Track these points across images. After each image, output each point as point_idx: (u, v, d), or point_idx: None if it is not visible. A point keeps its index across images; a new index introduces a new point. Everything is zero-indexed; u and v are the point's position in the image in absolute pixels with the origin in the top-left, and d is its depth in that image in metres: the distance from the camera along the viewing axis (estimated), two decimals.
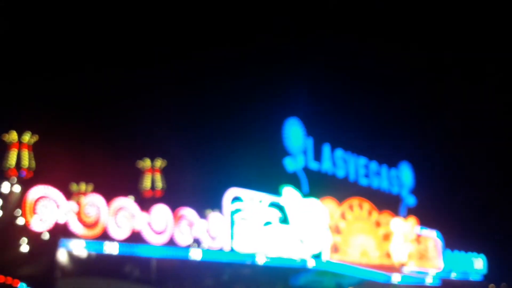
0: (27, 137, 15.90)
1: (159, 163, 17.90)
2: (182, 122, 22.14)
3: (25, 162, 15.97)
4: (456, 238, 31.98)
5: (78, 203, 14.86)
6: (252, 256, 19.23)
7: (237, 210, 19.40)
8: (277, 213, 21.10)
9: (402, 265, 27.01)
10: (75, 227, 14.61)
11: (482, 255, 34.24)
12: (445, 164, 41.62)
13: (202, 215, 18.02)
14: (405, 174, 30.49)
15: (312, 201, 22.96)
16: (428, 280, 27.50)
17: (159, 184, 17.68)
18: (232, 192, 19.47)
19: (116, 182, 17.89)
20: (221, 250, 18.18)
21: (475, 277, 33.19)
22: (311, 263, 21.65)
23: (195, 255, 17.31)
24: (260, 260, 19.49)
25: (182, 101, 27.03)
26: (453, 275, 30.59)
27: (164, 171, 18.21)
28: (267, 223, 20.45)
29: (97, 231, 15.03)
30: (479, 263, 33.72)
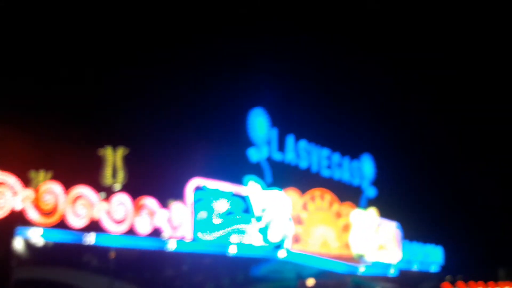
0: None
1: (121, 151, 17.62)
2: (146, 110, 21.90)
3: None
4: (415, 230, 32.74)
5: (36, 191, 14.60)
6: (214, 245, 19.29)
7: (200, 200, 19.41)
8: (240, 203, 21.19)
9: (361, 256, 27.51)
10: (32, 214, 14.38)
11: (440, 247, 35.17)
12: (406, 156, 42.46)
13: (164, 204, 17.93)
14: (367, 166, 30.97)
15: (275, 191, 23.12)
16: (387, 270, 28.11)
17: (120, 173, 17.43)
18: (195, 182, 19.44)
19: (76, 171, 17.57)
20: (182, 240, 18.17)
21: (433, 268, 34.07)
22: (272, 254, 21.85)
23: (156, 244, 17.26)
24: (222, 250, 19.57)
25: (147, 89, 26.77)
26: (412, 266, 31.33)
27: (125, 160, 17.94)
28: (230, 213, 20.53)
29: (54, 219, 14.81)
30: (437, 254, 34.61)
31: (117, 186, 17.46)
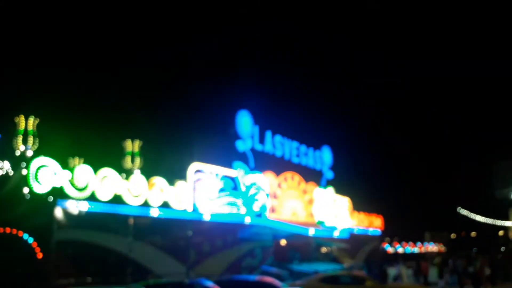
0: (31, 120, 15.21)
1: (138, 143, 17.51)
2: (158, 110, 21.73)
3: (31, 140, 15.27)
4: (362, 203, 33.06)
5: (72, 172, 14.40)
6: (210, 215, 19.28)
7: (199, 180, 19.35)
8: (229, 183, 21.19)
9: (322, 222, 27.72)
10: (69, 190, 14.19)
11: (381, 216, 35.54)
12: (356, 147, 42.87)
13: (171, 183, 17.84)
14: (326, 155, 31.15)
15: (257, 174, 23.16)
16: (340, 233, 28.29)
17: (137, 159, 17.29)
18: (195, 165, 19.36)
19: (103, 157, 17.40)
20: (185, 210, 18.11)
21: (375, 233, 34.46)
22: (254, 220, 21.92)
23: (165, 213, 17.17)
24: (216, 218, 19.56)
25: (159, 91, 26.52)
26: (358, 230, 31.63)
27: (141, 149, 17.82)
28: (222, 190, 20.52)
29: (86, 193, 14.64)
30: (378, 222, 34.99)
31: (135, 169, 17.32)
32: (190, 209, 18.29)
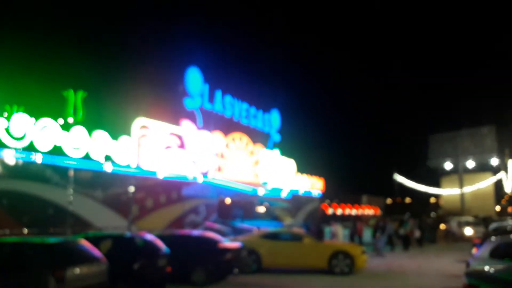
0: None
1: (81, 94, 16.75)
2: (106, 61, 20.73)
3: None
4: (305, 165, 34.11)
5: (9, 120, 13.61)
6: (154, 171, 19.14)
7: (144, 135, 19.01)
8: (176, 140, 21.01)
9: (267, 183, 28.40)
10: (6, 139, 13.45)
11: (322, 179, 36.90)
12: (303, 112, 43.74)
13: (115, 137, 17.40)
14: (274, 118, 31.58)
15: (205, 133, 23.10)
16: (283, 194, 29.25)
17: (79, 110, 16.61)
18: (140, 121, 18.97)
19: (44, 107, 16.52)
20: (128, 165, 17.83)
21: (316, 194, 35.85)
22: (200, 178, 22.07)
23: (107, 167, 16.83)
24: (160, 175, 19.47)
25: (106, 42, 25.25)
26: (301, 192, 32.77)
27: (84, 101, 17.09)
28: (168, 148, 20.33)
29: (24, 143, 13.96)
30: (319, 184, 36.33)
31: (77, 120, 16.65)
32: (133, 164, 18.04)
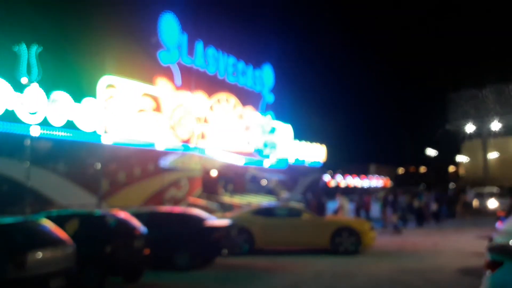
0: None
1: (35, 49, 16.36)
2: (64, 8, 20.10)
3: None
4: (304, 131, 34.24)
5: None
6: (125, 139, 19.07)
7: (111, 96, 18.81)
8: (150, 102, 20.85)
9: (259, 151, 28.54)
10: None
11: (323, 145, 37.10)
12: (300, 67, 43.43)
13: (77, 99, 17.20)
14: (267, 75, 31.39)
15: (184, 93, 22.92)
16: (273, 164, 29.21)
17: (34, 68, 16.29)
18: (106, 79, 18.72)
19: None
20: (94, 132, 17.72)
21: (316, 164, 36.12)
22: (180, 147, 22.05)
23: (34, 131, 16.72)
24: (132, 144, 19.41)
25: None
26: (297, 160, 32.97)
27: (39, 57, 16.73)
28: (141, 111, 20.19)
29: None
30: (320, 152, 36.55)
31: (32, 80, 16.36)
32: (100, 131, 17.94)
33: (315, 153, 35.38)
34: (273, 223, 15.12)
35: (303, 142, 33.88)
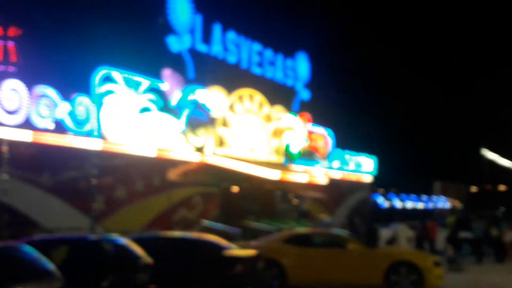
0: None
1: (13, 31, 16.71)
2: None
3: None
4: (348, 138, 34.03)
5: None
6: (125, 144, 19.27)
7: (109, 93, 19.06)
8: (157, 100, 21.04)
9: (291, 162, 28.44)
10: None
11: (374, 157, 36.80)
12: (344, 57, 43.21)
13: (67, 96, 17.49)
14: (302, 66, 31.32)
15: (198, 88, 23.05)
16: (309, 179, 29.10)
17: (13, 56, 16.65)
18: (103, 72, 18.98)
19: None
20: (87, 135, 17.96)
21: (364, 180, 35.84)
22: (192, 156, 22.16)
23: (58, 140, 16.98)
24: (135, 150, 19.59)
25: None
26: (341, 175, 32.77)
27: (20, 42, 17.09)
28: (144, 110, 20.38)
29: None
30: (369, 165, 36.27)
31: (9, 71, 16.73)
32: (94, 135, 18.17)
33: (362, 166, 35.15)
34: (310, 254, 15.11)
35: (348, 153, 33.69)
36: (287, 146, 28.40)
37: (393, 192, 47.16)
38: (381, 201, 44.83)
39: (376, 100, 48.07)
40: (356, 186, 34.43)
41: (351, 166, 33.94)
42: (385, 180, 41.56)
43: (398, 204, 47.42)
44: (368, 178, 36.04)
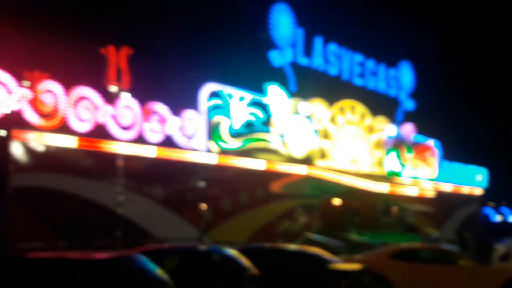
0: None
1: (125, 50, 17.49)
2: (153, 6, 21.52)
3: None
4: (455, 149, 32.85)
5: (33, 90, 14.66)
6: (232, 157, 19.64)
7: (215, 108, 19.53)
8: (259, 113, 21.31)
9: (395, 174, 27.80)
10: (30, 116, 14.56)
11: (484, 169, 35.30)
12: (449, 66, 41.68)
13: (175, 112, 18.08)
14: (405, 75, 30.71)
15: (300, 101, 23.13)
16: (415, 191, 28.28)
17: (125, 75, 17.44)
18: (209, 87, 19.48)
19: (76, 71, 17.62)
20: (196, 150, 18.46)
21: (474, 192, 34.44)
22: (295, 168, 22.20)
23: (167, 154, 17.58)
24: (240, 162, 19.91)
25: None
26: (448, 187, 31.67)
27: (131, 61, 17.89)
28: (249, 124, 20.71)
29: (55, 122, 15.03)
30: (479, 177, 34.84)
31: (122, 89, 17.47)
32: (202, 148, 18.64)
33: (472, 178, 33.86)
34: (419, 270, 14.77)
35: (456, 164, 32.54)
36: (390, 157, 27.81)
37: (505, 205, 44.79)
38: (493, 215, 42.82)
39: (486, 110, 45.90)
40: (465, 199, 33.19)
41: (460, 178, 32.77)
42: (496, 193, 39.68)
43: (511, 218, 45.09)
44: (478, 191, 34.61)
